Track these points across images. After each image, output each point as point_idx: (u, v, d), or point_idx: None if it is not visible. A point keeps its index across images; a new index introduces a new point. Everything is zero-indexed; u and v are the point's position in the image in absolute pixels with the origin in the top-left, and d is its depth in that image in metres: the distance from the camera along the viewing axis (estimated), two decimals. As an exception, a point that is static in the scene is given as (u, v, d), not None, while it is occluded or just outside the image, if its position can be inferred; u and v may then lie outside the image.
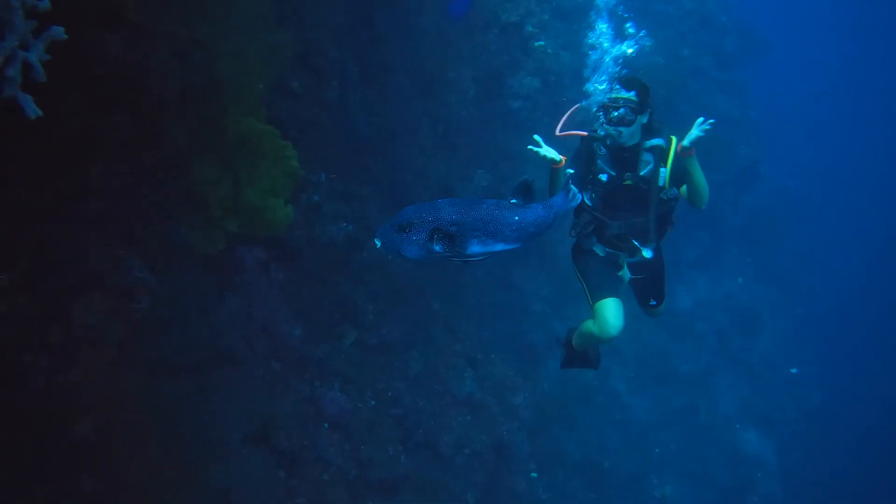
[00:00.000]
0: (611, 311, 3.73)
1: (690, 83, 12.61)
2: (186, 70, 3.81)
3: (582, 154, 3.71)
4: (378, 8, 7.66)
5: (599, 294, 3.79)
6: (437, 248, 2.90)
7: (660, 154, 3.52)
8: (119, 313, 4.21)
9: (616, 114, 3.39)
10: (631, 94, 3.38)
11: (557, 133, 3.65)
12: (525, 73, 9.09)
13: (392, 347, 6.88)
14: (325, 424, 5.79)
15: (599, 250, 3.85)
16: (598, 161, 3.65)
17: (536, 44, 9.28)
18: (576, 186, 3.53)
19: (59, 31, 2.00)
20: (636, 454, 11.02)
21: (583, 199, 3.72)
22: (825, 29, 26.89)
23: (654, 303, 4.08)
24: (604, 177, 3.63)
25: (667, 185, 3.55)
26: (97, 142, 3.84)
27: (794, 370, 14.25)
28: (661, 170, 3.52)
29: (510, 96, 9.02)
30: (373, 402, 6.57)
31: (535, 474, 8.21)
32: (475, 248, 2.98)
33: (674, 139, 3.51)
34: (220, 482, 4.29)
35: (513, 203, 3.07)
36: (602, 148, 3.61)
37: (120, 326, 4.22)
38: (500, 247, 3.04)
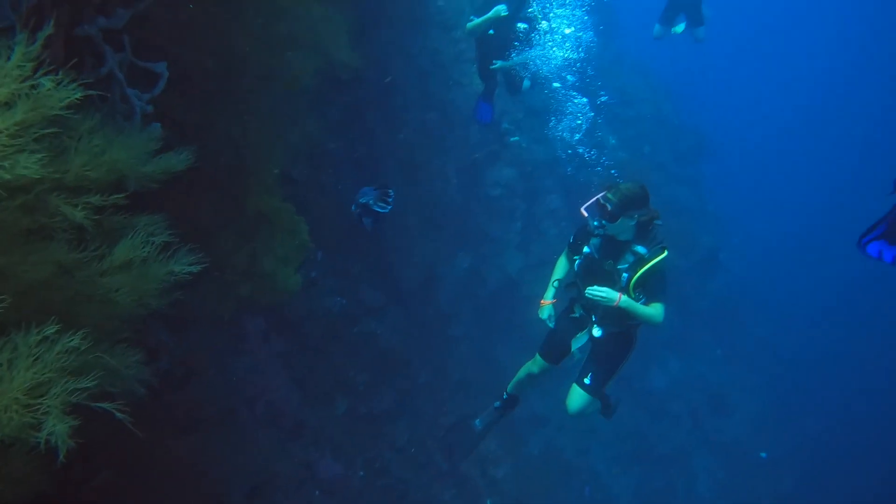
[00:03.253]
0: (538, 365, 4.76)
1: (653, 177, 13.72)
2: (216, 159, 4.39)
3: (581, 229, 4.40)
4: (369, 105, 8.51)
5: (545, 353, 4.71)
6: None
7: (637, 261, 4.06)
8: (140, 373, 4.52)
9: (599, 209, 4.02)
10: (611, 197, 3.97)
11: (580, 209, 4.28)
12: (503, 164, 9.96)
13: (381, 417, 7.13)
14: (317, 491, 5.95)
15: (577, 311, 4.43)
16: (591, 240, 4.27)
17: (512, 139, 10.23)
18: (572, 253, 4.43)
19: (157, 127, 2.62)
20: (619, 536, 11.01)
21: (572, 266, 4.48)
22: (769, 130, 29.42)
23: (588, 382, 4.46)
24: (587, 250, 4.26)
25: (630, 289, 4.04)
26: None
27: (763, 454, 14.48)
28: (624, 275, 4.06)
29: (489, 184, 9.82)
30: (361, 473, 6.73)
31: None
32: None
33: (663, 254, 4.03)
34: (224, 538, 4.45)
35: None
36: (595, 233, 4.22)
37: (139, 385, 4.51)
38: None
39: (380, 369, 7.29)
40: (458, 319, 9.24)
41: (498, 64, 6.38)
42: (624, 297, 3.96)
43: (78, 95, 2.05)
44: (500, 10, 5.88)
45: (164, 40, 3.15)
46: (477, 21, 6.16)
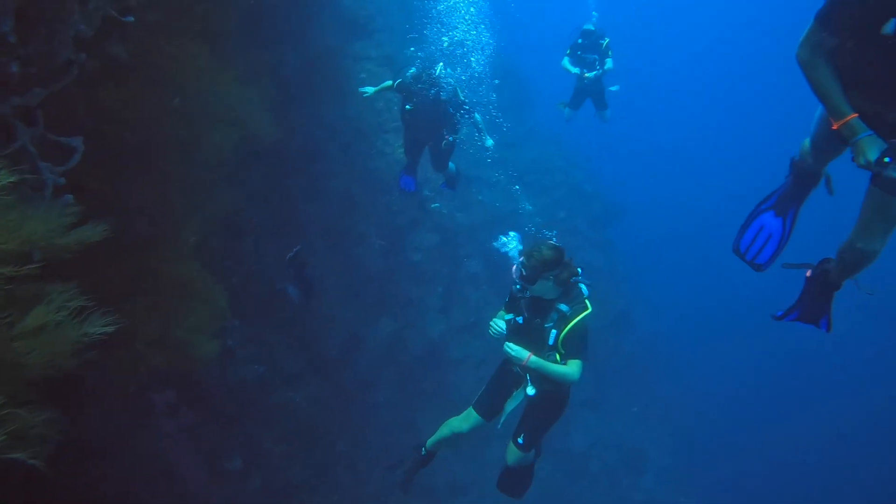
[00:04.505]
0: (470, 420, 4.73)
1: (568, 241, 14.29)
2: (130, 228, 4.34)
3: (513, 292, 4.50)
4: (291, 173, 8.62)
5: (480, 407, 4.71)
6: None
7: (561, 318, 4.23)
8: (48, 431, 4.25)
9: (516, 272, 4.20)
10: (525, 261, 4.15)
11: (511, 270, 4.40)
12: (424, 230, 10.23)
13: (297, 490, 6.89)
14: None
15: (513, 367, 4.53)
16: (521, 302, 4.41)
17: (433, 206, 10.57)
18: (508, 311, 4.50)
19: (69, 199, 2.67)
20: None
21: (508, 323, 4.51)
22: (674, 192, 31.74)
23: (521, 441, 4.61)
24: (520, 319, 4.39)
25: (558, 345, 4.20)
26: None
27: (677, 509, 14.90)
28: (553, 332, 4.21)
29: (411, 250, 10.04)
30: (275, 553, 6.43)
31: None
32: None
33: (587, 311, 4.21)
34: None
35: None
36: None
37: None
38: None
39: (297, 439, 7.10)
40: (379, 385, 9.18)
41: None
42: (533, 358, 4.14)
43: (12, 179, 2.22)
44: (386, 84, 6.88)
45: (82, 116, 3.18)
46: (370, 91, 6.77)
